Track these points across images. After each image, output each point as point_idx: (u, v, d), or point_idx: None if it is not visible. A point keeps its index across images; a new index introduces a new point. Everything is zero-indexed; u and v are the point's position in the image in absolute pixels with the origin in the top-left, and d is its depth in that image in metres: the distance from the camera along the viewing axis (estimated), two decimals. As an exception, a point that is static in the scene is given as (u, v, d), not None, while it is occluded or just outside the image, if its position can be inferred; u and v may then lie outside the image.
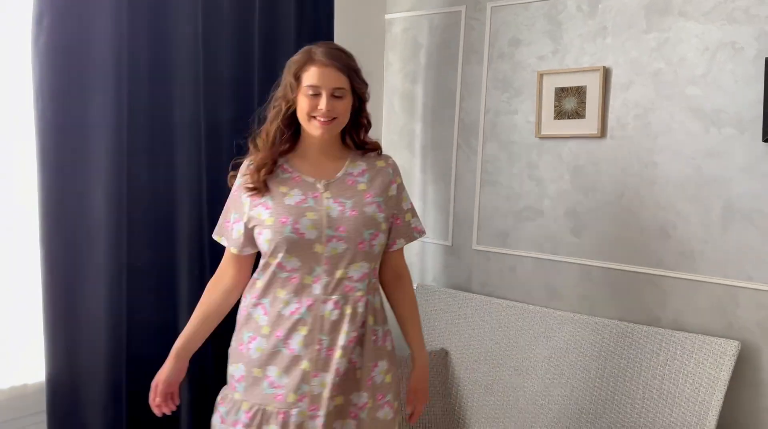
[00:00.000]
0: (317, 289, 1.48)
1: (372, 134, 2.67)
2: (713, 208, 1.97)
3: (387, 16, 2.73)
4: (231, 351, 1.56)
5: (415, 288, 1.77)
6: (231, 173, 1.58)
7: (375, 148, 1.61)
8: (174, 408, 1.59)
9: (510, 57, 2.39)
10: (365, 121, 1.60)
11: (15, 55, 1.66)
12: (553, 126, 2.28)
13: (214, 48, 1.92)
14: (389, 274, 1.64)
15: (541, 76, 2.28)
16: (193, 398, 1.91)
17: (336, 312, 1.47)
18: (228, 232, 1.57)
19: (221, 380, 1.63)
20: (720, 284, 1.97)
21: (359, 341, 1.51)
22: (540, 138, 2.32)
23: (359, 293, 1.50)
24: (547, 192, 2.32)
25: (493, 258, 2.46)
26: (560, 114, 2.26)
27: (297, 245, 1.46)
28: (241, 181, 1.54)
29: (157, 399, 1.57)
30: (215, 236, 1.63)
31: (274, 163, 1.51)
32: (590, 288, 2.23)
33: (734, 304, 1.94)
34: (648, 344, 2.04)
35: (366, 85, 1.57)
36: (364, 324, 1.51)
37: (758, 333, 1.90)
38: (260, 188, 1.49)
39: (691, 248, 2.02)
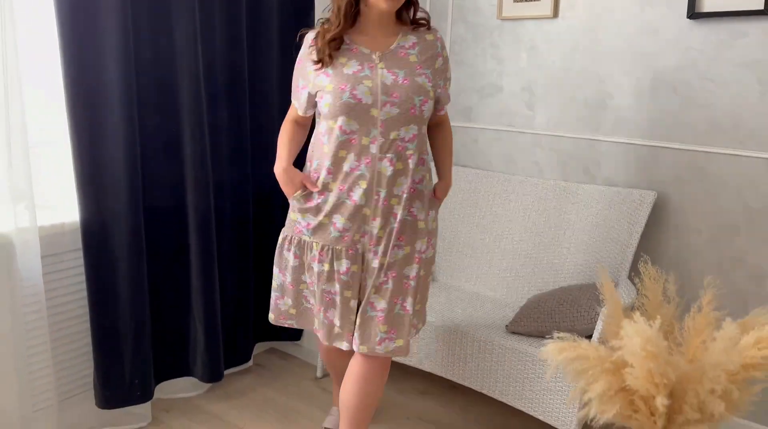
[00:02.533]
0: (374, 148, 1.72)
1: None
2: (644, 79, 2.28)
3: None
4: (294, 204, 1.85)
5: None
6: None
7: (425, 22, 1.80)
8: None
9: (476, -57, 2.59)
10: (413, 8, 1.78)
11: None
12: (513, 8, 2.53)
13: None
14: (432, 124, 1.90)
15: (503, -39, 2.50)
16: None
17: (390, 168, 1.73)
18: (298, 95, 1.84)
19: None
20: (645, 145, 2.31)
21: (416, 195, 1.79)
22: (501, 20, 2.57)
23: (410, 151, 1.74)
24: (506, 70, 2.60)
25: (458, 132, 2.77)
26: (519, -3, 2.50)
27: (354, 109, 1.69)
28: (306, 51, 1.77)
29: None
30: (292, 99, 1.88)
31: (342, 38, 1.71)
32: (540, 154, 2.58)
33: (655, 162, 2.30)
34: (583, 199, 2.41)
35: None
36: (421, 180, 1.79)
37: (673, 185, 2.27)
38: (325, 61, 1.71)
39: (624, 115, 2.34)
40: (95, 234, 2.04)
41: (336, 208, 1.78)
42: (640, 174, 2.34)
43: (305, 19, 2.56)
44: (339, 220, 1.78)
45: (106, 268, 2.08)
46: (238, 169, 2.43)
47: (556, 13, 2.43)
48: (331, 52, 1.71)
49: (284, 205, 2.62)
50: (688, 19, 2.14)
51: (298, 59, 1.83)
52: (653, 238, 2.32)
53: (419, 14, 1.81)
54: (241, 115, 2.39)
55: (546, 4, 2.44)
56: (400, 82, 1.71)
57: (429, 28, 1.81)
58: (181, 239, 2.27)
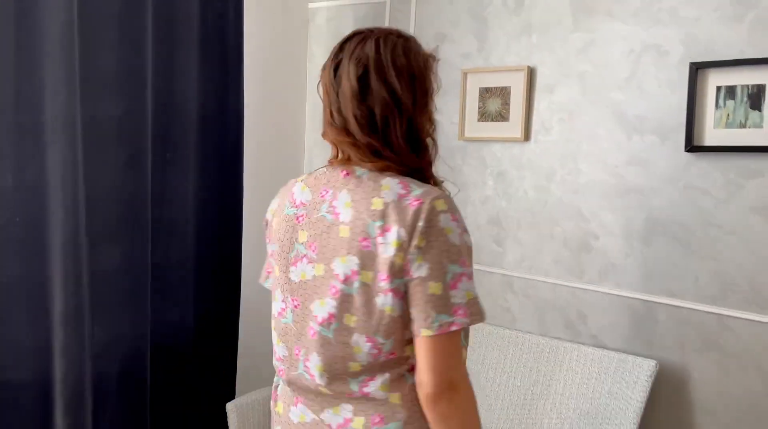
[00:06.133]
0: None
1: (295, 131, 2.53)
2: (635, 219, 1.88)
3: (310, 5, 2.55)
4: None
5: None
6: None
7: None
8: None
9: (435, 53, 2.24)
10: None
11: None
12: (476, 128, 2.15)
13: (93, 35, 1.71)
14: None
15: (465, 74, 2.15)
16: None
17: None
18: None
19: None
20: (641, 300, 1.88)
21: None
22: (464, 140, 2.19)
23: None
24: (470, 198, 2.19)
25: (415, 265, 2.33)
26: (484, 116, 2.13)
27: None
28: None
29: None
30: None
31: None
32: (512, 300, 2.13)
33: (654, 321, 1.86)
34: (566, 361, 1.94)
35: None
36: None
37: (678, 352, 1.82)
38: None
39: (613, 261, 1.92)
40: None
41: None
42: (636, 335, 1.89)
43: (234, 132, 2.15)
44: None
45: None
46: (133, 321, 1.91)
47: (527, 136, 2.06)
48: None
49: (197, 360, 2.12)
50: (687, 153, 1.77)
51: (466, 242, 1.03)
52: (655, 420, 1.84)
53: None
54: (138, 253, 1.90)
55: (515, 125, 2.07)
56: None
57: None
58: (43, 422, 1.70)
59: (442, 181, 1.14)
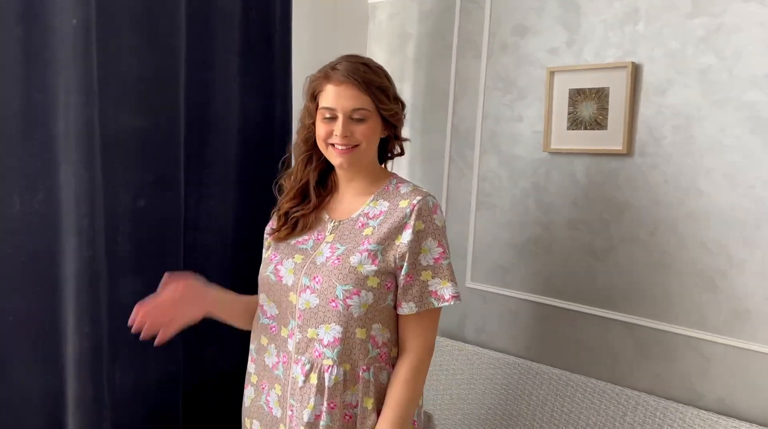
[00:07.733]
0: (291, 345, 1.31)
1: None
2: (779, 254, 1.46)
3: (370, 0, 2.27)
4: None
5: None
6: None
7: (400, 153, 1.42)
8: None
9: (514, 49, 1.90)
10: (389, 153, 1.40)
11: None
12: (565, 138, 1.78)
13: (115, 36, 1.48)
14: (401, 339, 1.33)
15: (551, 74, 1.79)
16: None
17: (302, 378, 1.28)
18: None
19: None
20: (787, 359, 1.45)
21: (348, 425, 1.27)
22: (549, 153, 1.83)
23: (327, 361, 1.26)
24: (557, 221, 1.82)
25: (490, 299, 1.98)
26: (575, 123, 1.76)
27: (273, 289, 1.34)
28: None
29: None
30: None
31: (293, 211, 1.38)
32: (611, 347, 1.74)
33: (807, 388, 1.43)
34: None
35: (399, 106, 1.33)
36: (356, 404, 1.27)
37: (841, 430, 1.38)
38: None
39: (747, 307, 1.50)
40: None
41: (255, 410, 1.38)
42: (779, 405, 1.46)
43: (281, 147, 1.88)
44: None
45: None
46: (161, 363, 1.66)
47: (630, 149, 1.67)
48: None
49: (239, 406, 1.86)
50: None
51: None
52: None
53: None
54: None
55: (615, 134, 1.69)
56: (331, 262, 1.27)
57: (416, 190, 1.31)
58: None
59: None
